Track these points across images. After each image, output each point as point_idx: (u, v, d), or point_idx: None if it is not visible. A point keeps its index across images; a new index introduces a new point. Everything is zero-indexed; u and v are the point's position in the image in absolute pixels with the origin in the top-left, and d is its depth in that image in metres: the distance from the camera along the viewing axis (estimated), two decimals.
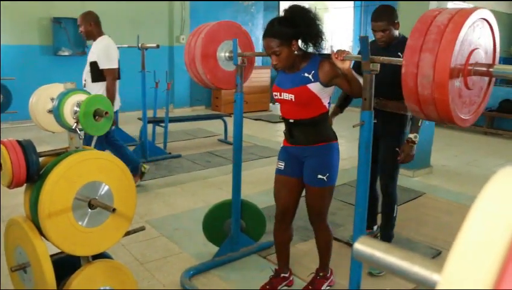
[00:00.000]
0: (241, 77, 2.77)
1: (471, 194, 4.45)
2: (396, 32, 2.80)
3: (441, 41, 1.35)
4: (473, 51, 1.43)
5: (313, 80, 2.22)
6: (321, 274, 2.62)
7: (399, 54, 2.71)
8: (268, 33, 2.21)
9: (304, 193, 2.49)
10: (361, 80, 1.99)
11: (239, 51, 2.74)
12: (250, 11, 10.27)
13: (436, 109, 1.44)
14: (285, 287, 2.73)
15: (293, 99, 2.27)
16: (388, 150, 2.86)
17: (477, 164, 5.84)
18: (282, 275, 2.68)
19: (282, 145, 2.52)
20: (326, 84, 2.22)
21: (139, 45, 5.18)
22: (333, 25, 14.52)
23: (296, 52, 2.22)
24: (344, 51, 1.97)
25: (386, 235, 3.04)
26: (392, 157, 2.86)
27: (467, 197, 4.36)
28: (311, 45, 2.27)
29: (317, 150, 2.33)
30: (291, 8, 2.25)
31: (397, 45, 2.74)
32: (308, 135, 2.33)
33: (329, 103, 2.32)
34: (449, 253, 0.36)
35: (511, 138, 7.59)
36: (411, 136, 2.74)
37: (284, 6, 11.01)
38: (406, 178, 4.94)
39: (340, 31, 13.31)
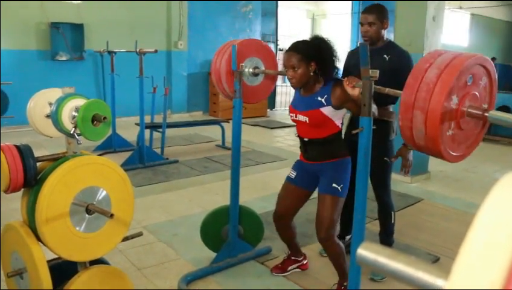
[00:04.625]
0: (240, 82, 2.79)
1: (468, 200, 4.46)
2: (384, 33, 2.81)
3: (430, 100, 1.41)
4: (466, 95, 1.47)
5: (325, 103, 2.35)
6: (345, 284, 2.54)
7: (385, 56, 2.71)
8: (292, 48, 2.36)
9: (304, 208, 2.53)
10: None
11: (262, 67, 2.88)
12: (248, 17, 10.31)
13: (432, 153, 1.56)
14: (298, 269, 2.92)
15: (307, 121, 2.41)
16: (376, 160, 2.65)
17: (474, 170, 5.85)
18: (293, 258, 2.89)
19: (298, 158, 2.65)
20: (337, 108, 2.36)
21: (137, 49, 5.18)
22: (331, 31, 14.60)
23: (311, 73, 2.36)
24: (355, 78, 2.02)
25: (385, 241, 3.02)
26: (382, 167, 2.83)
27: (464, 203, 4.37)
28: (324, 72, 2.40)
29: (331, 165, 2.45)
30: (318, 36, 2.44)
31: (384, 48, 2.75)
32: (322, 152, 2.46)
33: (342, 123, 2.44)
34: (456, 259, 0.35)
35: (508, 144, 7.63)
36: None
37: (281, 11, 11.07)
38: (403, 184, 4.94)
39: (338, 37, 13.37)
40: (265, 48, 2.98)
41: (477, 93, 1.50)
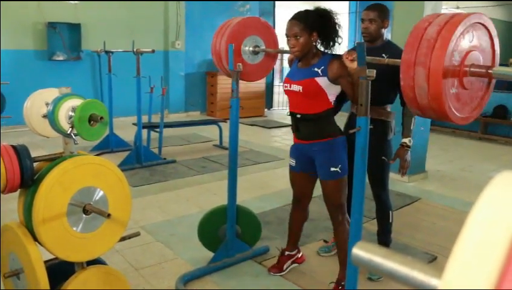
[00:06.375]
0: (237, 82, 2.80)
1: (466, 199, 4.46)
2: (383, 32, 2.81)
3: (431, 56, 1.41)
4: (467, 53, 1.47)
5: (321, 74, 2.36)
6: (343, 283, 2.51)
7: (383, 55, 2.72)
8: (295, 17, 2.38)
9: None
10: None
11: (263, 46, 2.91)
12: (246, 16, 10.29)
13: (436, 115, 1.54)
14: (295, 264, 2.94)
15: (301, 91, 2.40)
16: (374, 159, 2.66)
17: (471, 169, 5.86)
18: (287, 253, 2.89)
19: (293, 142, 2.67)
20: (332, 81, 2.35)
21: (135, 49, 5.17)
22: None
23: (313, 43, 2.39)
24: (355, 52, 2.02)
25: (383, 241, 3.02)
26: (380, 166, 2.83)
27: (461, 202, 4.37)
28: (326, 44, 2.43)
29: (323, 145, 2.45)
30: (321, 8, 2.42)
31: (383, 47, 2.76)
32: (314, 130, 2.46)
33: (334, 101, 2.43)
34: (449, 258, 0.35)
35: (505, 143, 7.64)
36: (405, 140, 2.71)
37: (279, 12, 11.07)
38: (401, 183, 4.95)
39: None
40: (264, 25, 2.99)
41: (478, 52, 1.50)
